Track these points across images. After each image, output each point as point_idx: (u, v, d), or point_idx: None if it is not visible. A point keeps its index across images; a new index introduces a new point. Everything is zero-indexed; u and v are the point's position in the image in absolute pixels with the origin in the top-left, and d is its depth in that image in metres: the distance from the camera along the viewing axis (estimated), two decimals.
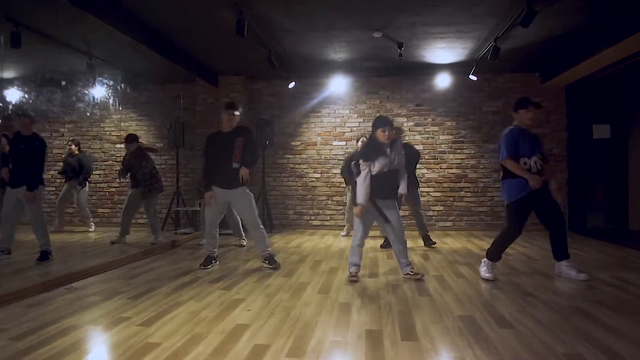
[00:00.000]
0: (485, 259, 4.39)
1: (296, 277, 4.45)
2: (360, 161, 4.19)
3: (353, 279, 4.27)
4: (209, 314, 3.24)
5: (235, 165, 4.75)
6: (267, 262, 4.83)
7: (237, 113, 4.85)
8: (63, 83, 8.37)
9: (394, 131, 4.24)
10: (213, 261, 4.96)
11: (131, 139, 6.54)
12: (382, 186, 4.20)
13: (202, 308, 3.40)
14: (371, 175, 4.16)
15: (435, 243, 6.34)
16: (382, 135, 4.17)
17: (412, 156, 5.98)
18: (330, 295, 3.77)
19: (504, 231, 4.39)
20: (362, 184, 4.15)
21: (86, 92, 8.63)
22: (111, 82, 8.43)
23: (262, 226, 4.92)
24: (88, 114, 9.11)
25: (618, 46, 5.86)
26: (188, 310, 3.35)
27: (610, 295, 3.69)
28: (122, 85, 8.60)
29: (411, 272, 4.32)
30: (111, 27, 5.11)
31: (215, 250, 5.01)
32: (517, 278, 4.35)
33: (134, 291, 3.90)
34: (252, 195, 4.92)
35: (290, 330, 2.91)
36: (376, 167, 4.15)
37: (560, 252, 4.34)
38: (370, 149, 4.22)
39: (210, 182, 4.81)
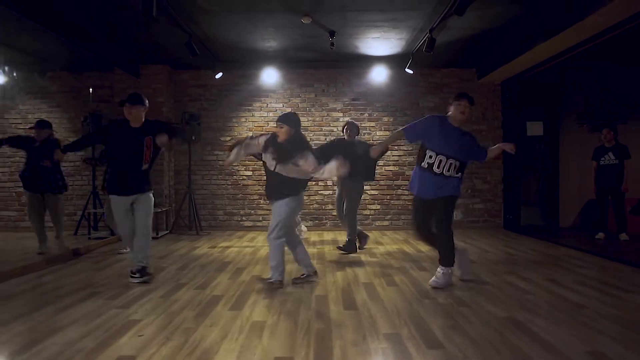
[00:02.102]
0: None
1: (210, 290, 3.92)
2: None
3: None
4: (89, 343, 2.66)
5: (145, 166, 4.21)
6: (138, 274, 4.18)
7: (142, 107, 4.18)
8: None
9: (282, 128, 3.92)
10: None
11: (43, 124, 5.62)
12: (268, 185, 4.10)
13: (85, 334, 2.81)
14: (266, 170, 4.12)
15: (355, 251, 5.71)
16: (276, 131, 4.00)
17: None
18: (243, 312, 3.28)
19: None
20: None
21: None
22: (12, 67, 7.47)
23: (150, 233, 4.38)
24: None
25: (551, 41, 5.78)
26: (66, 338, 2.76)
27: (546, 303, 3.45)
28: (26, 71, 7.65)
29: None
30: None
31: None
32: (452, 285, 4.05)
33: (8, 315, 3.23)
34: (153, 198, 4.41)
35: None
36: (267, 160, 4.05)
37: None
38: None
39: (111, 186, 4.29)
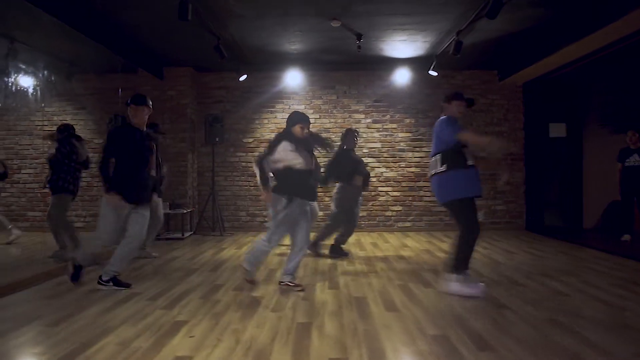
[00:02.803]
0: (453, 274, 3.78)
1: (248, 291, 3.98)
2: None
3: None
4: (143, 344, 2.73)
5: (153, 172, 4.25)
6: (111, 282, 4.02)
7: (148, 106, 4.08)
8: None
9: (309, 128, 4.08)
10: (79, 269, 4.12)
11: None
12: (307, 186, 3.99)
13: (136, 335, 2.88)
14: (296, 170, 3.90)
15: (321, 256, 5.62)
16: (299, 131, 3.98)
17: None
18: (286, 313, 3.34)
19: (462, 233, 3.75)
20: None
21: (11, 81, 7.73)
22: (40, 70, 7.59)
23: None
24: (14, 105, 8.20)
25: (577, 44, 5.76)
26: (118, 338, 2.82)
27: (585, 305, 3.47)
28: (53, 73, 7.76)
29: (290, 282, 4.05)
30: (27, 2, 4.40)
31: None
32: (486, 286, 4.07)
33: (55, 315, 3.31)
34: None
35: None
36: (302, 161, 3.92)
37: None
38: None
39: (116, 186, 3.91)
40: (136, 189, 4.01)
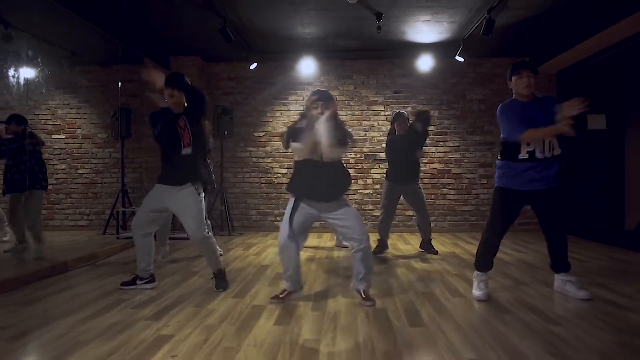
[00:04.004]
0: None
1: (249, 299, 3.46)
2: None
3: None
4: None
5: (185, 151, 3.57)
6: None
7: (175, 91, 3.52)
8: None
9: (329, 107, 3.22)
10: (138, 281, 3.77)
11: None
12: (317, 183, 3.23)
13: (109, 353, 2.38)
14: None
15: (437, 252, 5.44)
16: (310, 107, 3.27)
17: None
18: (290, 326, 2.80)
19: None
20: None
21: (13, 72, 7.37)
22: (44, 61, 7.20)
23: (210, 234, 3.84)
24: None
25: (621, 24, 5.12)
26: (86, 358, 2.33)
27: None
28: (54, 64, 7.38)
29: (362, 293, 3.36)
30: None
31: (149, 267, 3.80)
32: (526, 296, 3.48)
33: (19, 327, 2.82)
34: (201, 196, 3.75)
35: None
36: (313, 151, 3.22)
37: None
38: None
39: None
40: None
